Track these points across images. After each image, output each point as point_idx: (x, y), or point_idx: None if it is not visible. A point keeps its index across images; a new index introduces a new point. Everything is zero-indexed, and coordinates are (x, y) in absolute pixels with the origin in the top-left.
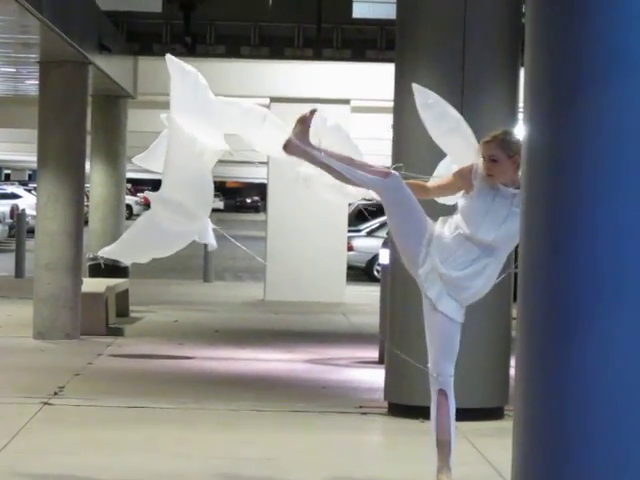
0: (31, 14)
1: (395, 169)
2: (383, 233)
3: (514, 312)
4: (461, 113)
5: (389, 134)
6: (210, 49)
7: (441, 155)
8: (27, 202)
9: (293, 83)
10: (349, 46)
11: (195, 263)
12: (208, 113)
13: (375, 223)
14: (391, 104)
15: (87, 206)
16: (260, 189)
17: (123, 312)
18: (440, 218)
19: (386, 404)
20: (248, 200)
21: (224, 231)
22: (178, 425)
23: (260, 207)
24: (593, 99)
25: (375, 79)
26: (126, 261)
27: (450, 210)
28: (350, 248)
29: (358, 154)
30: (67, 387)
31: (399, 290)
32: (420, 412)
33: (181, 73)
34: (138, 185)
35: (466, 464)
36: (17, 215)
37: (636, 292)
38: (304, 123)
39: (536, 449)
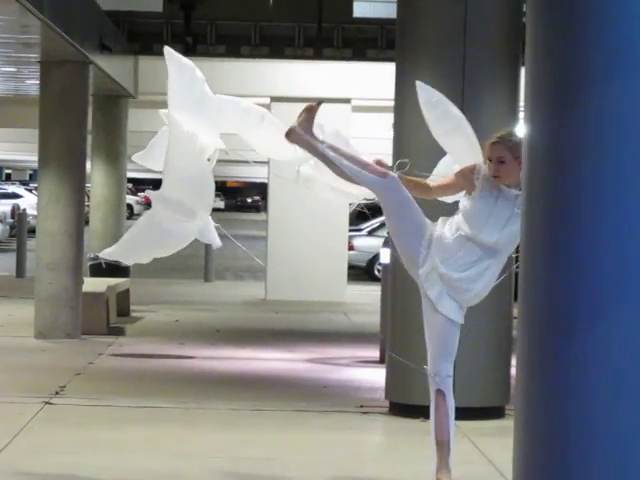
0: (32, 14)
1: (400, 165)
2: (384, 232)
3: (515, 312)
4: (462, 113)
5: (390, 133)
6: (211, 49)
7: (442, 154)
8: (28, 202)
9: (294, 83)
10: (350, 45)
11: (196, 262)
12: (204, 108)
13: (376, 222)
14: (392, 103)
15: (88, 206)
16: (261, 189)
17: (124, 312)
18: (440, 218)
19: (387, 403)
20: (249, 200)
21: (225, 230)
22: (179, 425)
23: (261, 207)
24: (594, 99)
25: (376, 78)
26: (127, 262)
27: (449, 209)
28: (351, 247)
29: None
30: (68, 387)
31: (400, 289)
32: (421, 411)
33: (178, 66)
34: (139, 185)
35: (467, 463)
36: (18, 215)
37: (637, 292)
38: (310, 113)
39: (537, 448)
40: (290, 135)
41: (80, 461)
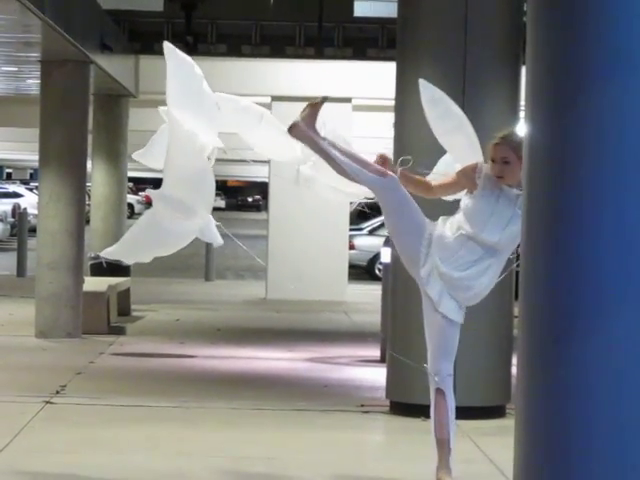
0: (33, 13)
1: (402, 162)
2: (384, 232)
3: (516, 311)
4: (462, 112)
5: (391, 132)
6: (211, 48)
7: (442, 153)
8: (29, 201)
9: (294, 82)
10: (350, 44)
11: (196, 262)
12: (203, 104)
13: (376, 222)
14: (392, 102)
15: (89, 205)
16: (261, 188)
17: (125, 311)
18: (441, 218)
19: (388, 402)
20: (249, 199)
21: (226, 229)
22: (179, 424)
23: (262, 206)
24: (594, 98)
25: (376, 78)
26: (128, 261)
27: (449, 208)
28: (352, 247)
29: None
30: (69, 386)
31: (400, 288)
32: (421, 410)
33: (177, 61)
34: (140, 184)
35: (468, 462)
36: (19, 214)
37: (637, 291)
38: (314, 109)
39: (538, 447)
40: (293, 130)
41: (81, 460)
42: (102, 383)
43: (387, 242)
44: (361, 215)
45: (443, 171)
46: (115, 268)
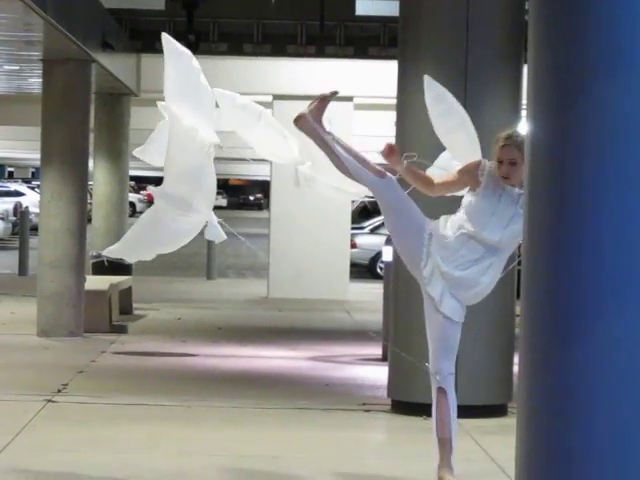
0: (35, 12)
1: (407, 157)
2: (386, 230)
3: (517, 310)
4: (464, 110)
5: (392, 131)
6: (213, 47)
7: (442, 151)
8: (30, 200)
9: (296, 80)
10: (352, 43)
11: (198, 260)
12: (200, 97)
13: (378, 220)
14: (394, 101)
15: (90, 204)
16: (263, 186)
17: (126, 310)
18: (441, 217)
19: (389, 401)
20: (251, 197)
21: (229, 226)
22: (181, 422)
23: (263, 204)
24: (596, 97)
25: (378, 76)
26: (131, 259)
27: (449, 207)
28: (353, 245)
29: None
30: (70, 385)
31: (402, 287)
32: (423, 409)
33: (175, 53)
34: (141, 182)
35: (469, 461)
36: (20, 213)
37: (639, 291)
38: (322, 102)
39: (539, 446)
40: (299, 121)
41: (82, 459)
42: (104, 382)
43: (389, 241)
44: (363, 214)
45: (443, 165)
46: (117, 267)
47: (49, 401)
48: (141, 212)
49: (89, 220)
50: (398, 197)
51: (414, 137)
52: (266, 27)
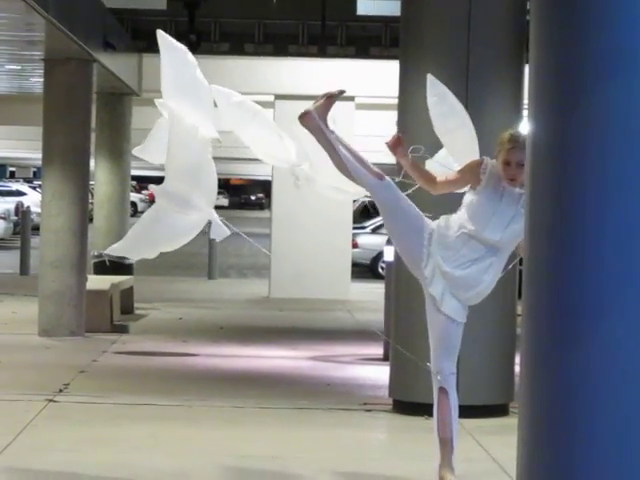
0: (36, 12)
1: (413, 150)
2: None
3: (519, 309)
4: (466, 111)
5: (393, 131)
6: (214, 47)
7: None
8: (32, 199)
9: (297, 80)
10: (353, 43)
11: (199, 260)
12: (196, 92)
13: (380, 220)
14: (395, 101)
15: (92, 203)
16: (264, 186)
17: (127, 309)
18: (442, 217)
19: (390, 401)
20: (252, 197)
21: (231, 225)
22: (182, 422)
23: (265, 204)
24: (597, 97)
25: (379, 76)
26: (133, 257)
27: (448, 205)
28: (355, 245)
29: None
30: (72, 384)
31: (403, 287)
32: (424, 409)
33: (170, 49)
34: (143, 182)
35: (470, 461)
36: (22, 212)
37: None
38: (329, 100)
39: (541, 446)
40: (304, 117)
41: (83, 459)
42: (105, 381)
43: (390, 241)
44: (364, 213)
45: (441, 160)
46: (118, 266)
47: (50, 401)
48: (142, 212)
49: (90, 220)
50: (396, 199)
51: (415, 137)
52: (267, 27)
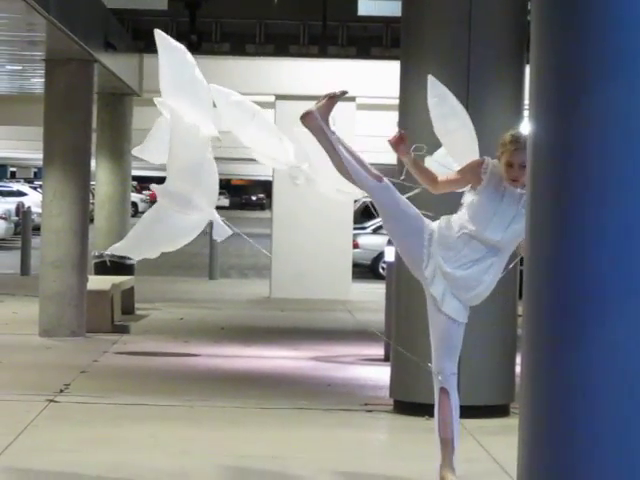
0: (37, 12)
1: (416, 148)
2: None
3: (520, 310)
4: (466, 112)
5: (394, 131)
6: (215, 47)
7: None
8: (33, 200)
9: (298, 80)
10: (354, 43)
11: (200, 260)
12: (195, 91)
13: (380, 220)
14: (396, 101)
15: (92, 204)
16: (265, 186)
17: (128, 310)
18: (442, 217)
19: (391, 401)
20: (253, 197)
21: (232, 226)
22: (183, 422)
23: (265, 204)
24: (598, 98)
25: (380, 76)
26: (136, 257)
27: (449, 205)
28: (355, 245)
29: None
30: (73, 384)
31: (404, 288)
32: (425, 409)
33: (169, 49)
34: (143, 182)
35: (471, 461)
36: (23, 212)
37: None
38: (331, 100)
39: (541, 446)
40: (306, 117)
41: (84, 459)
42: (106, 382)
43: (391, 241)
44: (365, 214)
45: (440, 159)
46: (119, 267)
47: (51, 401)
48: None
49: (91, 220)
50: (395, 201)
51: (416, 137)
52: (268, 27)
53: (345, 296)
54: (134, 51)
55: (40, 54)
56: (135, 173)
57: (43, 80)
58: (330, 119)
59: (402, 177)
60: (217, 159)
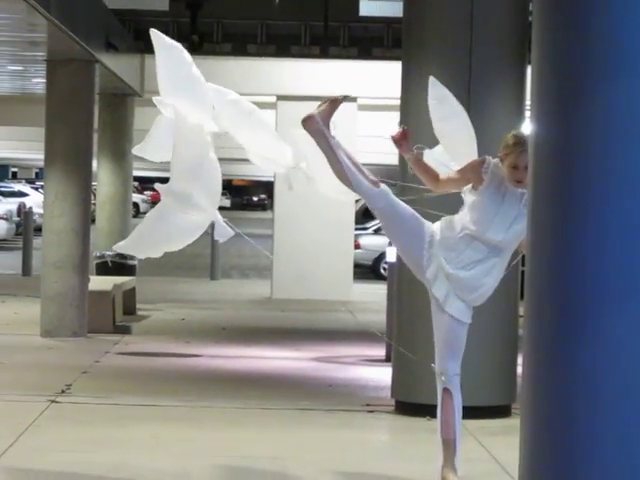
0: (39, 13)
1: (418, 148)
2: None
3: (521, 310)
4: (467, 111)
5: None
6: (217, 47)
7: None
8: (34, 200)
9: (299, 81)
10: (356, 44)
11: (202, 261)
12: (194, 89)
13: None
14: (398, 102)
15: (94, 204)
16: (267, 187)
17: (130, 310)
18: (443, 218)
19: (393, 402)
20: (255, 198)
21: (233, 226)
22: (184, 423)
23: (267, 205)
24: (599, 98)
25: (382, 77)
26: (140, 255)
27: (449, 204)
28: (357, 246)
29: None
30: (74, 385)
31: (406, 289)
32: (427, 410)
33: (166, 47)
34: (145, 183)
35: (473, 461)
36: (24, 213)
37: None
38: (333, 105)
39: (543, 447)
40: (307, 121)
41: (85, 459)
42: (107, 382)
43: None
44: (367, 214)
45: (438, 157)
46: (120, 267)
47: (53, 401)
48: (145, 213)
49: (93, 221)
50: (394, 205)
51: (417, 137)
52: (270, 28)
53: (346, 297)
54: (135, 51)
55: (41, 54)
56: (136, 174)
57: (44, 81)
58: (331, 124)
59: (407, 175)
60: (219, 160)
